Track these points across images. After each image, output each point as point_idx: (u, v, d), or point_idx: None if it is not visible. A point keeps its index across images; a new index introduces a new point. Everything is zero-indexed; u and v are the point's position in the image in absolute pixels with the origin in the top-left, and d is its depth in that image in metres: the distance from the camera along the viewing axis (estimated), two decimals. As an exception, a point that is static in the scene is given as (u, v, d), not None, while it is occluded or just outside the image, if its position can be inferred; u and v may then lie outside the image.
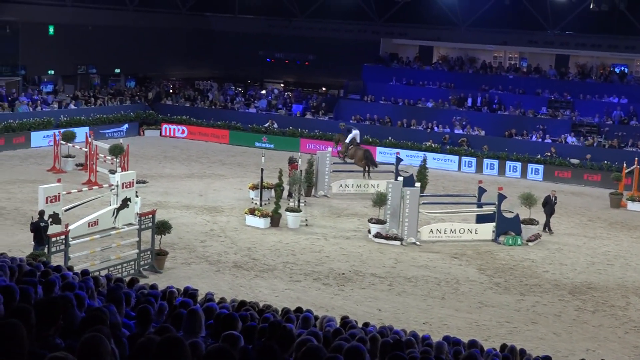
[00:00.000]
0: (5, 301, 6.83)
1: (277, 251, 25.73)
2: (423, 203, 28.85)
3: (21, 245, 23.91)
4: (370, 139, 44.70)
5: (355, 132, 38.44)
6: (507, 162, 42.23)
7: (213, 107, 51.67)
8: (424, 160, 36.09)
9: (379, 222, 28.18)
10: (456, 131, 45.58)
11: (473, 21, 53.52)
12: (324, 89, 58.90)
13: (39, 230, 21.86)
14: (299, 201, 30.07)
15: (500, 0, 47.54)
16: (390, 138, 44.66)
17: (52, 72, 51.99)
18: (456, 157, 43.16)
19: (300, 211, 29.40)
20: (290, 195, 31.23)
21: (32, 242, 22.39)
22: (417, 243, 27.49)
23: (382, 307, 20.97)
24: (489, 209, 29.28)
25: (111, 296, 9.89)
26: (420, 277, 23.87)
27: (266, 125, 47.57)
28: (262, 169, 31.40)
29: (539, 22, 50.86)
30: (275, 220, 28.77)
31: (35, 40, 48.07)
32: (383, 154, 43.36)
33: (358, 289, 22.38)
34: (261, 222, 28.50)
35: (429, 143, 43.98)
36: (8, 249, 22.05)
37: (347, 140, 37.97)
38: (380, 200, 28.46)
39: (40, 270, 12.64)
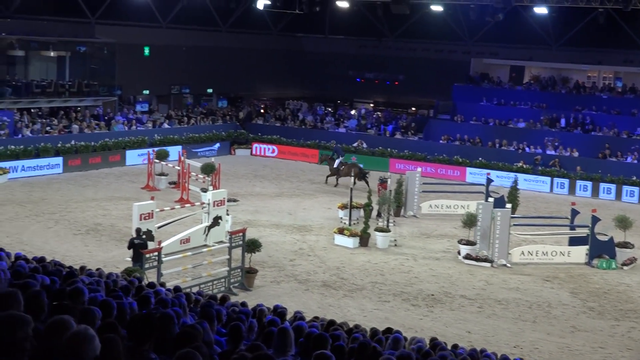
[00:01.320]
0: (102, 316, 7.00)
1: (365, 271, 25.70)
2: (514, 224, 28.47)
3: (116, 261, 24.46)
4: (460, 160, 44.41)
5: (341, 159, 40.89)
6: (600, 183, 41.32)
7: (303, 126, 52.05)
8: (515, 182, 35.61)
9: (469, 243, 27.92)
10: (548, 152, 44.88)
11: (566, 40, 52.74)
12: (413, 109, 58.78)
13: (134, 247, 22.32)
14: (388, 221, 30.01)
15: (594, 19, 46.75)
16: (480, 159, 44.24)
17: (147, 92, 53.17)
18: (548, 179, 42.45)
19: (390, 231, 29.33)
20: (379, 214, 31.20)
21: (128, 258, 22.90)
22: (508, 265, 27.12)
23: (471, 329, 20.73)
24: (582, 232, 28.68)
25: (203, 313, 10.04)
26: (511, 299, 23.53)
27: (355, 145, 47.65)
28: (351, 189, 31.47)
29: (635, 41, 49.78)
30: (364, 240, 28.75)
31: (131, 61, 49.28)
32: (473, 175, 43.03)
33: (447, 311, 22.18)
34: (350, 242, 28.51)
35: (520, 164, 43.38)
36: (104, 265, 22.58)
37: (335, 165, 40.36)
38: (470, 221, 28.19)
39: (135, 286, 12.92)
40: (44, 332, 5.21)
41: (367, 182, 37.38)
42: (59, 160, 39.87)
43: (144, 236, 23.78)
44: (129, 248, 22.75)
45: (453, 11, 52.54)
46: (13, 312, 5.15)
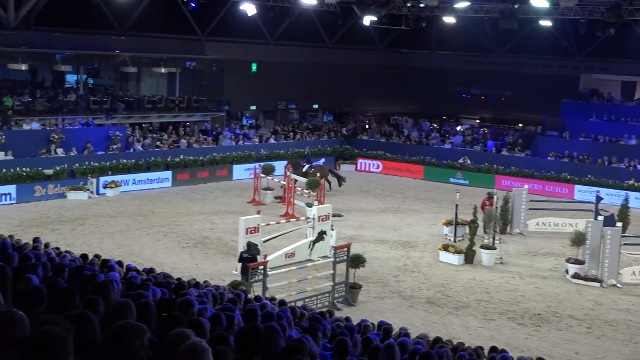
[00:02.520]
0: (210, 328, 7.13)
1: (470, 288, 25.45)
2: (625, 244, 27.76)
3: (222, 274, 24.88)
4: (569, 177, 43.56)
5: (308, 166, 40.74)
6: None
7: (408, 142, 51.95)
8: (626, 200, 34.71)
9: (577, 262, 27.33)
10: (661, 170, 43.62)
11: (680, 55, 51.27)
12: (520, 125, 57.99)
13: (242, 260, 22.67)
14: (494, 238, 29.66)
15: None
16: (589, 176, 43.26)
17: (254, 107, 54.00)
18: (661, 197, 41.24)
19: (495, 249, 28.98)
20: (485, 231, 30.87)
21: (235, 272, 23.26)
22: (618, 285, 26.43)
23: (579, 350, 20.28)
24: (696, 252, 27.80)
25: (309, 327, 10.14)
26: (621, 320, 22.92)
27: (460, 161, 47.28)
28: (456, 205, 31.24)
29: None
30: (469, 257, 28.49)
31: (239, 77, 50.19)
32: (582, 192, 42.13)
33: (554, 331, 21.76)
34: (455, 259, 28.29)
35: (632, 181, 42.23)
36: (210, 277, 23.00)
37: (305, 170, 39.99)
38: (578, 239, 27.61)
39: (241, 299, 13.12)
40: (164, 344, 5.36)
41: (338, 178, 40.14)
42: (168, 174, 40.80)
43: (253, 251, 24.05)
44: (239, 261, 23.11)
45: (562, 26, 51.70)
46: (130, 322, 5.32)
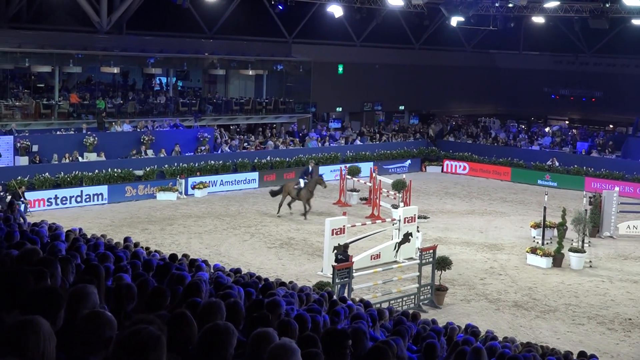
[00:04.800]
0: (298, 329, 7.20)
1: (559, 292, 25.06)
2: None
3: (308, 274, 25.04)
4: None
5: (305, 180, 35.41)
6: None
7: (495, 143, 51.42)
8: None
9: (670, 266, 26.70)
10: None
11: None
12: (611, 126, 56.81)
13: (338, 262, 22.79)
14: (583, 241, 29.15)
15: None
16: (682, 178, 42.20)
17: (340, 109, 54.16)
18: None
19: (585, 252, 28.47)
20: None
21: (320, 272, 23.36)
22: None
23: (672, 357, 19.82)
24: None
25: (395, 329, 10.17)
26: None
27: (549, 163, 46.57)
28: (544, 208, 30.82)
29: None
30: (557, 260, 28.04)
31: (325, 79, 50.38)
32: (675, 195, 41.12)
33: (646, 336, 21.30)
34: (543, 262, 27.88)
35: None
36: (296, 278, 23.17)
37: (302, 185, 34.68)
38: (671, 243, 26.97)
39: (327, 300, 13.20)
40: (248, 344, 5.44)
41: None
42: (255, 175, 41.22)
43: (334, 252, 24.18)
44: (335, 262, 23.26)
45: (655, 24, 50.49)
46: (219, 322, 5.41)
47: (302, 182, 34.73)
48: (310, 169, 36.76)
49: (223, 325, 5.38)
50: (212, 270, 15.58)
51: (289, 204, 34.56)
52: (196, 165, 38.92)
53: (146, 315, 5.52)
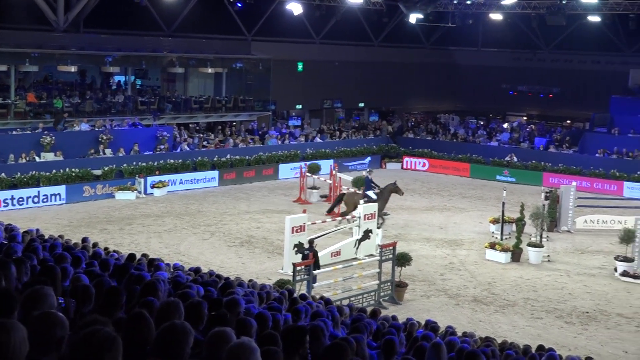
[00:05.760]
0: (257, 327, 7.20)
1: (517, 287, 25.29)
2: (675, 242, 27.39)
3: (268, 272, 25.03)
4: (618, 174, 43.07)
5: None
6: None
7: (454, 140, 51.73)
8: (677, 197, 34.27)
9: (627, 260, 27.03)
10: None
11: None
12: (568, 121, 57.39)
13: (304, 258, 22.88)
14: (541, 236, 29.44)
15: None
16: (639, 173, 42.73)
17: (300, 106, 54.16)
18: None
19: (543, 246, 28.76)
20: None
21: (280, 270, 23.34)
22: (668, 284, 26.12)
23: (629, 349, 20.06)
24: None
25: (354, 326, 10.19)
26: (671, 319, 22.66)
27: (507, 158, 46.96)
28: (503, 203, 31.08)
29: None
30: (516, 255, 28.31)
31: (285, 77, 50.32)
32: (631, 189, 41.64)
33: (603, 329, 21.54)
34: (502, 257, 28.12)
35: (682, 178, 41.68)
36: (256, 276, 23.17)
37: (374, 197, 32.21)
38: (628, 237, 27.30)
39: (287, 298, 13.20)
40: (205, 343, 5.42)
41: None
42: (214, 173, 41.09)
43: (295, 250, 24.25)
44: (302, 259, 23.29)
45: (611, 21, 51.06)
46: (175, 322, 5.39)
47: (372, 194, 32.31)
48: (370, 177, 33.65)
49: (180, 324, 5.36)
50: (171, 270, 15.52)
51: (344, 216, 31.28)
52: (155, 164, 38.68)
53: (98, 316, 5.49)
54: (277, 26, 50.20)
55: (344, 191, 33.99)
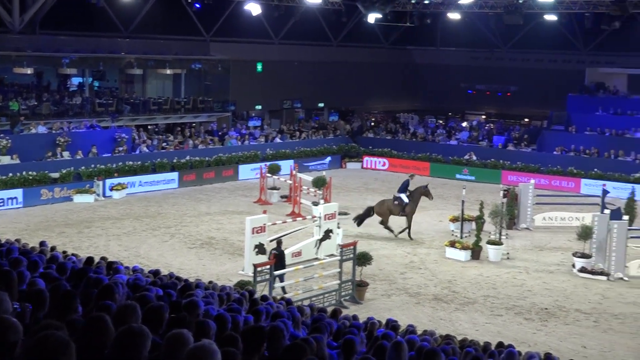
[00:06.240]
0: (217, 329, 7.16)
1: (477, 284, 25.45)
2: (631, 237, 27.71)
3: (229, 274, 24.95)
4: (575, 171, 43.55)
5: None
6: None
7: (414, 139, 51.93)
8: (633, 193, 34.66)
9: (584, 256, 27.33)
10: (668, 162, 43.52)
11: (687, 46, 51.19)
12: (526, 120, 57.89)
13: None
14: (500, 234, 29.66)
15: None
16: (596, 170, 43.24)
17: (260, 107, 54.04)
18: (668, 189, 41.14)
19: (502, 244, 28.97)
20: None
21: (241, 272, 23.26)
22: (625, 278, 26.41)
23: (587, 344, 20.28)
24: None
25: (314, 326, 10.18)
26: (628, 314, 22.92)
27: (466, 157, 47.27)
28: (462, 201, 31.26)
29: None
30: (476, 253, 28.50)
31: (244, 77, 50.22)
32: (588, 186, 42.10)
33: (562, 325, 21.76)
34: (462, 255, 28.29)
35: (638, 175, 42.17)
36: (217, 278, 23.09)
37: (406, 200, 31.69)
38: (585, 233, 27.60)
39: (247, 299, 13.15)
40: (164, 346, 5.38)
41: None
42: (174, 175, 40.89)
43: (256, 250, 24.23)
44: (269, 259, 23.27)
45: (567, 20, 51.62)
46: (132, 326, 5.34)
47: (404, 197, 31.59)
48: (410, 181, 32.62)
49: (137, 328, 5.31)
50: (130, 273, 15.39)
51: (387, 227, 31.26)
52: (114, 166, 38.43)
53: (52, 321, 5.42)
54: (236, 27, 50.06)
55: (371, 204, 32.87)
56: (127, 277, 12.85)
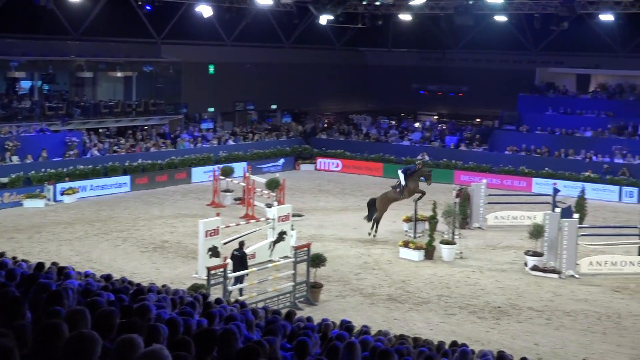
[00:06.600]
0: (169, 333, 7.10)
1: (431, 284, 25.59)
2: (582, 235, 28.08)
3: (183, 277, 24.80)
4: (526, 170, 44.02)
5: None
6: (672, 191, 40.50)
7: (367, 140, 52.07)
8: (583, 191, 35.14)
9: (536, 254, 27.62)
10: (616, 160, 44.14)
11: (633, 47, 51.94)
12: (478, 120, 58.32)
13: (234, 259, 22.81)
14: (453, 233, 29.84)
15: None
16: (547, 169, 43.75)
17: (212, 109, 53.80)
18: (617, 188, 41.76)
19: (455, 244, 29.16)
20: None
21: (195, 275, 23.15)
22: (576, 276, 26.75)
23: (539, 341, 20.49)
24: (653, 241, 28.17)
25: (268, 328, 10.13)
26: (579, 311, 23.21)
27: (419, 157, 47.51)
28: (415, 202, 31.39)
29: None
30: (429, 252, 28.64)
31: (196, 79, 49.97)
32: (539, 185, 42.58)
33: (514, 323, 21.96)
34: (415, 255, 28.43)
35: (588, 173, 42.76)
36: (170, 281, 22.91)
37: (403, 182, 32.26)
38: (537, 232, 27.90)
39: (201, 303, 13.06)
40: (114, 351, 5.32)
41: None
42: (126, 179, 40.54)
43: (209, 253, 24.14)
44: (230, 259, 23.15)
45: (517, 21, 52.10)
46: (83, 331, 5.27)
47: (401, 177, 32.15)
48: (416, 167, 33.09)
49: (87, 333, 5.24)
50: (82, 278, 15.21)
51: (376, 222, 31.83)
52: (65, 170, 37.97)
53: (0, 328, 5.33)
54: (188, 29, 49.73)
55: (374, 197, 33.46)
56: (78, 282, 12.69)
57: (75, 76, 47.08)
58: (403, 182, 32.05)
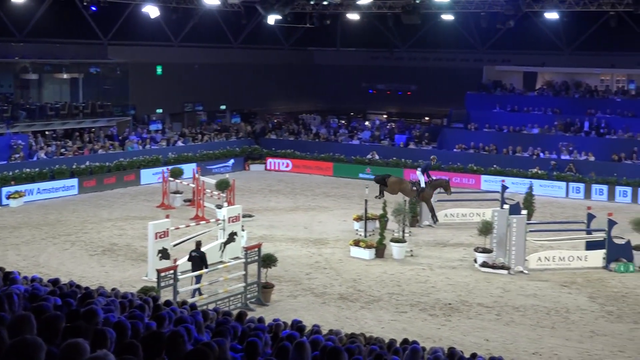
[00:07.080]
0: (116, 336, 7.00)
1: (382, 282, 25.67)
2: (530, 231, 28.41)
3: (132, 280, 24.58)
4: (475, 168, 44.36)
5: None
6: (616, 187, 41.07)
7: (317, 139, 52.10)
8: (531, 188, 35.52)
9: (485, 251, 27.87)
10: (563, 157, 44.73)
11: (578, 45, 52.70)
12: (427, 118, 58.73)
13: (192, 260, 22.73)
14: (403, 232, 29.97)
15: (605, 22, 46.42)
16: (495, 166, 44.16)
17: (161, 110, 53.42)
18: (563, 184, 42.29)
19: (405, 242, 29.29)
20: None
21: (145, 277, 22.94)
22: (525, 271, 27.03)
23: (489, 337, 20.66)
24: (599, 236, 28.56)
25: (218, 330, 10.06)
26: (528, 306, 23.45)
27: (369, 156, 47.67)
28: (366, 200, 31.47)
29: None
30: (380, 251, 28.73)
31: (144, 81, 49.59)
32: (488, 182, 42.96)
33: (465, 319, 22.12)
34: (366, 253, 28.50)
35: (535, 170, 43.24)
36: (120, 284, 22.70)
37: (423, 185, 33.70)
38: (486, 229, 28.15)
39: (150, 305, 12.93)
40: (59, 356, 5.23)
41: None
42: (74, 181, 40.06)
43: (159, 255, 23.98)
44: (188, 260, 22.95)
45: (464, 19, 52.55)
46: (26, 337, 5.17)
47: (422, 181, 33.62)
48: (432, 164, 35.94)
49: (31, 339, 5.15)
50: (29, 282, 14.98)
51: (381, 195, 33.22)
52: (10, 174, 37.43)
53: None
54: (134, 30, 49.34)
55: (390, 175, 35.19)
56: (24, 287, 12.49)
57: (20, 78, 46.42)
58: (423, 185, 33.39)
